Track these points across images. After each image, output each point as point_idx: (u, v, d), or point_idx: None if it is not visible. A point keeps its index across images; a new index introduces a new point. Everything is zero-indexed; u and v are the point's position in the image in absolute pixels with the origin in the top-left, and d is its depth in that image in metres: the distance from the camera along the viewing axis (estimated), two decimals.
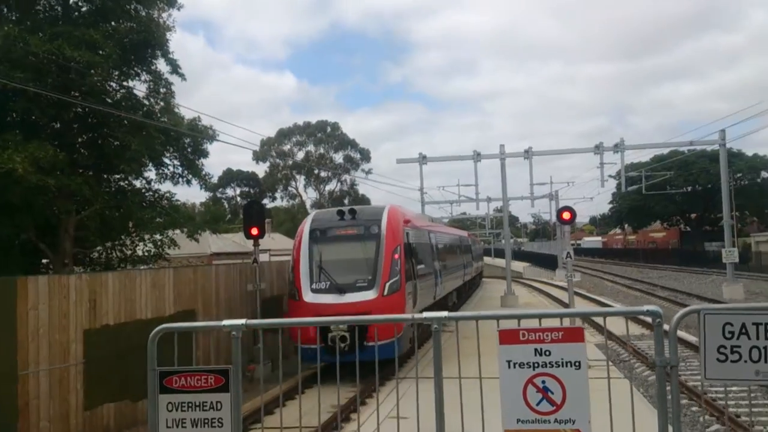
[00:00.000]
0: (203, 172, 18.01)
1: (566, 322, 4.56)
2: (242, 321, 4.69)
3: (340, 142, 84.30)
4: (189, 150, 17.61)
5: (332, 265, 15.39)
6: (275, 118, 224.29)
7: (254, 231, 17.58)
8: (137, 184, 17.15)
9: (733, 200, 43.18)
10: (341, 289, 15.06)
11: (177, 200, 17.83)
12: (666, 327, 4.24)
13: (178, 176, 17.88)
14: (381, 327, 12.52)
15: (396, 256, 15.20)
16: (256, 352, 17.61)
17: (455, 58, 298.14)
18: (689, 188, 66.42)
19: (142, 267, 17.00)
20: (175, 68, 17.17)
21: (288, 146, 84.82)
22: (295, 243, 16.45)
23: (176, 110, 17.55)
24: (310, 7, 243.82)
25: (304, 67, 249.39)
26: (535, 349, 4.11)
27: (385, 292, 14.90)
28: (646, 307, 4.27)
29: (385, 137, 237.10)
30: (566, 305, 27.41)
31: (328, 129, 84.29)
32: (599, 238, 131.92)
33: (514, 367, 4.15)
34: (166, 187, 18.70)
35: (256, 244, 17.73)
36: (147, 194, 17.24)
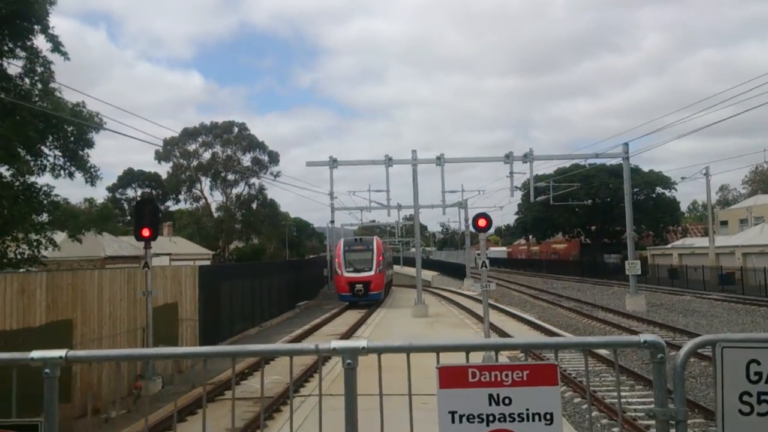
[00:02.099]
0: (88, 165, 16.00)
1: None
2: (60, 353, 3.23)
3: (249, 144, 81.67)
4: (72, 139, 15.56)
5: (353, 261, 37.04)
6: (181, 117, 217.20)
7: (146, 232, 15.83)
8: (6, 174, 14.91)
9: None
10: (357, 270, 36.67)
11: (57, 195, 15.75)
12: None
13: (59, 168, 15.81)
14: (373, 284, 37.06)
15: (379, 258, 37.58)
16: (145, 366, 15.89)
17: (365, 65, 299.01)
18: (590, 201, 68.40)
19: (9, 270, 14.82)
20: (56, 46, 15.12)
21: (193, 146, 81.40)
22: (336, 251, 39.11)
23: (58, 94, 15.53)
24: (216, 6, 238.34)
25: (212, 67, 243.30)
26: (490, 396, 2.98)
27: (375, 272, 37.00)
28: (642, 337, 3.23)
29: (296, 142, 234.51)
30: (478, 315, 26.88)
31: (236, 130, 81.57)
32: (504, 248, 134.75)
33: (460, 420, 3.00)
34: (48, 181, 16.54)
35: (147, 247, 15.97)
36: (18, 187, 15.03)
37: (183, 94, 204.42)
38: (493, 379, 3.00)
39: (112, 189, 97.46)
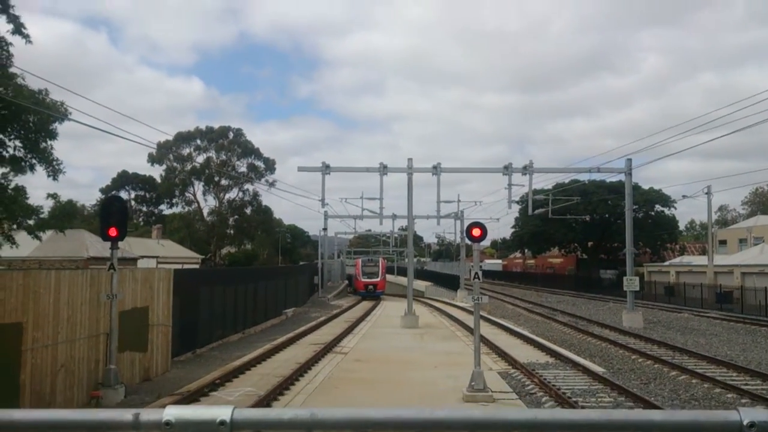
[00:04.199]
0: (52, 157, 14.89)
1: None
2: None
3: (244, 150, 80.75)
4: (33, 129, 14.45)
5: (367, 272, 60.68)
6: (181, 124, 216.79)
7: (113, 232, 14.75)
8: None
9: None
10: (369, 276, 60.13)
11: (13, 187, 14.57)
12: None
13: (20, 160, 14.68)
14: (378, 285, 60.00)
15: (383, 270, 62.56)
16: (107, 374, 14.77)
17: (364, 77, 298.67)
18: (588, 217, 67.52)
19: None
20: (18, 28, 14.04)
21: (188, 150, 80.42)
22: (356, 264, 65.56)
23: (21, 80, 14.42)
24: (217, 16, 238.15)
25: (213, 75, 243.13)
26: None
27: (380, 279, 60.53)
28: (746, 415, 1.89)
29: (294, 151, 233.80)
30: (470, 327, 25.79)
31: (231, 135, 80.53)
32: (500, 261, 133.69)
33: None
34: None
35: (114, 247, 14.89)
36: None
37: (183, 101, 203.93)
38: None
39: (105, 191, 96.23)
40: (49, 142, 14.76)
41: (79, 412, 1.83)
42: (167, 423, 1.78)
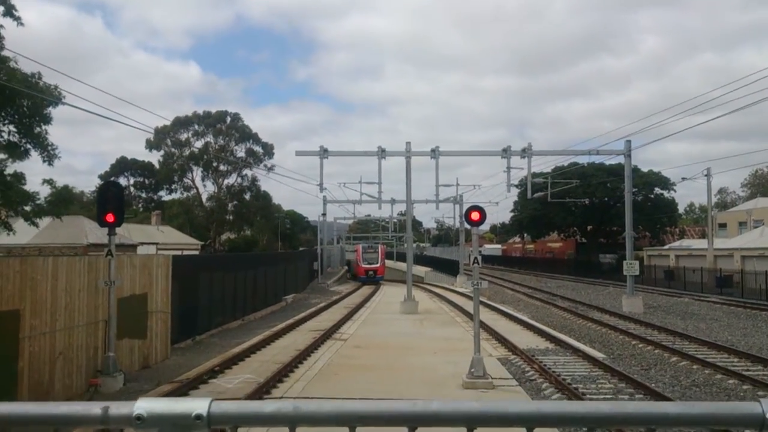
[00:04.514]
0: (46, 142, 14.69)
1: None
2: None
3: (242, 135, 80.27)
4: (27, 113, 14.24)
5: (367, 258, 64.16)
6: (179, 109, 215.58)
7: (110, 218, 14.62)
8: None
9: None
10: (369, 263, 63.54)
11: (10, 173, 14.40)
12: None
13: (13, 145, 14.50)
14: (378, 271, 63.41)
15: (383, 256, 66.37)
16: (106, 362, 14.69)
17: (362, 60, 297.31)
18: (587, 200, 67.39)
19: None
20: (8, 9, 13.80)
21: (185, 135, 79.92)
22: (357, 250, 68.38)
23: (14, 64, 14.19)
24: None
25: (210, 59, 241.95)
26: None
27: (380, 264, 64.17)
28: (765, 406, 1.70)
29: (293, 136, 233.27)
30: (469, 313, 25.75)
31: (228, 120, 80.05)
32: (499, 246, 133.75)
33: None
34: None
35: (111, 233, 14.77)
36: None
37: (181, 85, 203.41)
38: None
39: (104, 177, 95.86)
40: (43, 127, 14.55)
41: (43, 406, 1.67)
42: (138, 417, 1.61)
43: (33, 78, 14.25)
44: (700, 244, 60.53)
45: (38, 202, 15.52)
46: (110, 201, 14.62)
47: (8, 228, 15.27)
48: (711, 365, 16.24)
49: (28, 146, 14.66)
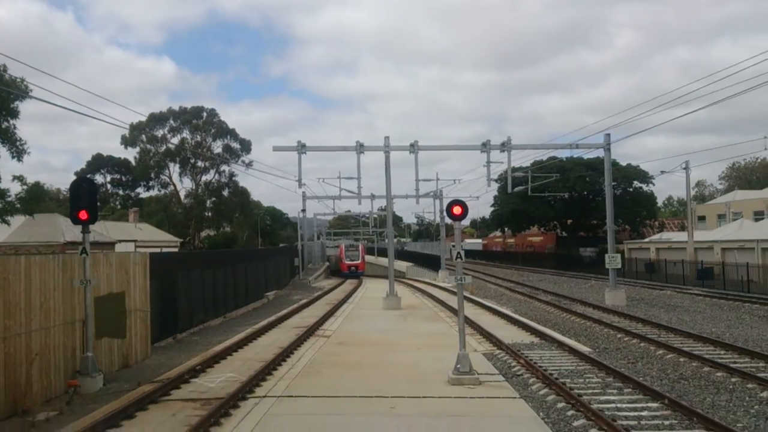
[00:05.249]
0: (14, 137, 14.12)
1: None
2: None
3: (218, 131, 79.48)
4: None
5: (349, 255, 71.74)
6: (154, 105, 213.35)
7: (83, 215, 14.14)
8: None
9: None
10: (351, 259, 70.99)
11: None
12: None
13: None
14: (359, 266, 70.99)
15: (362, 253, 73.96)
16: (84, 362, 14.22)
17: (338, 55, 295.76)
18: (567, 194, 67.59)
19: None
20: None
21: (161, 132, 78.87)
22: (340, 249, 76.67)
23: None
24: None
25: (183, 54, 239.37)
26: None
27: (360, 261, 71.54)
28: None
29: (270, 132, 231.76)
30: (453, 308, 25.54)
31: (204, 115, 79.09)
32: (480, 241, 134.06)
33: None
34: None
35: (85, 231, 14.29)
36: None
37: (155, 81, 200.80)
38: None
39: (80, 174, 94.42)
40: (11, 122, 13.98)
41: None
42: None
43: None
44: (681, 236, 60.99)
45: (8, 199, 14.98)
46: (83, 198, 14.12)
47: None
48: (698, 358, 16.15)
49: None
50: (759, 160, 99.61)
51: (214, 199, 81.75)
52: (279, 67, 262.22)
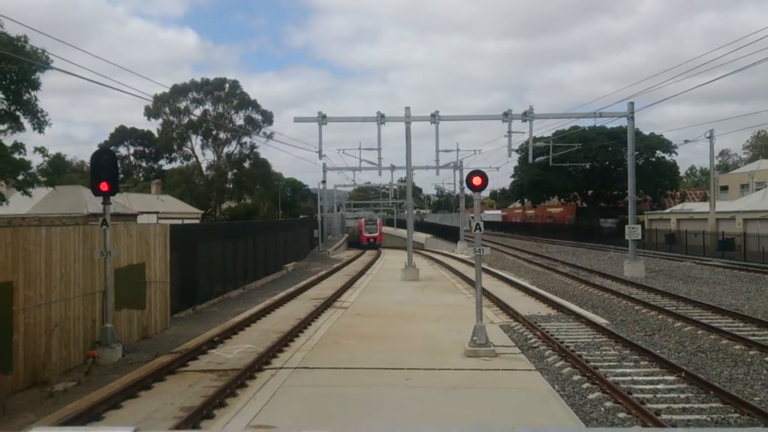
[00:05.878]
0: (36, 109, 14.24)
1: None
2: None
3: (241, 102, 79.50)
4: (15, 79, 13.74)
5: (368, 228, 73.73)
6: (177, 76, 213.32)
7: (104, 186, 14.31)
8: None
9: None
10: (370, 232, 73.31)
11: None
12: None
13: (2, 112, 14.05)
14: (378, 238, 73.07)
15: (380, 227, 76.38)
16: (104, 333, 14.51)
17: (359, 25, 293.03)
18: (588, 165, 66.79)
19: None
20: None
21: (184, 103, 79.07)
22: (359, 221, 78.81)
23: None
24: None
25: (205, 25, 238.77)
26: None
27: (378, 234, 73.73)
28: None
29: (291, 103, 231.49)
30: (471, 280, 25.58)
31: (227, 87, 79.09)
32: (499, 212, 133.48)
33: None
34: None
35: (106, 202, 14.47)
36: None
37: (178, 53, 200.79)
38: None
39: (104, 147, 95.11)
40: (32, 93, 14.09)
41: None
42: None
43: (19, 41, 13.72)
44: (702, 207, 60.23)
45: (30, 171, 15.16)
46: (104, 169, 14.28)
47: (1, 198, 14.93)
48: (716, 330, 16.06)
49: (18, 113, 14.23)
50: None
51: (235, 170, 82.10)
52: (300, 37, 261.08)
